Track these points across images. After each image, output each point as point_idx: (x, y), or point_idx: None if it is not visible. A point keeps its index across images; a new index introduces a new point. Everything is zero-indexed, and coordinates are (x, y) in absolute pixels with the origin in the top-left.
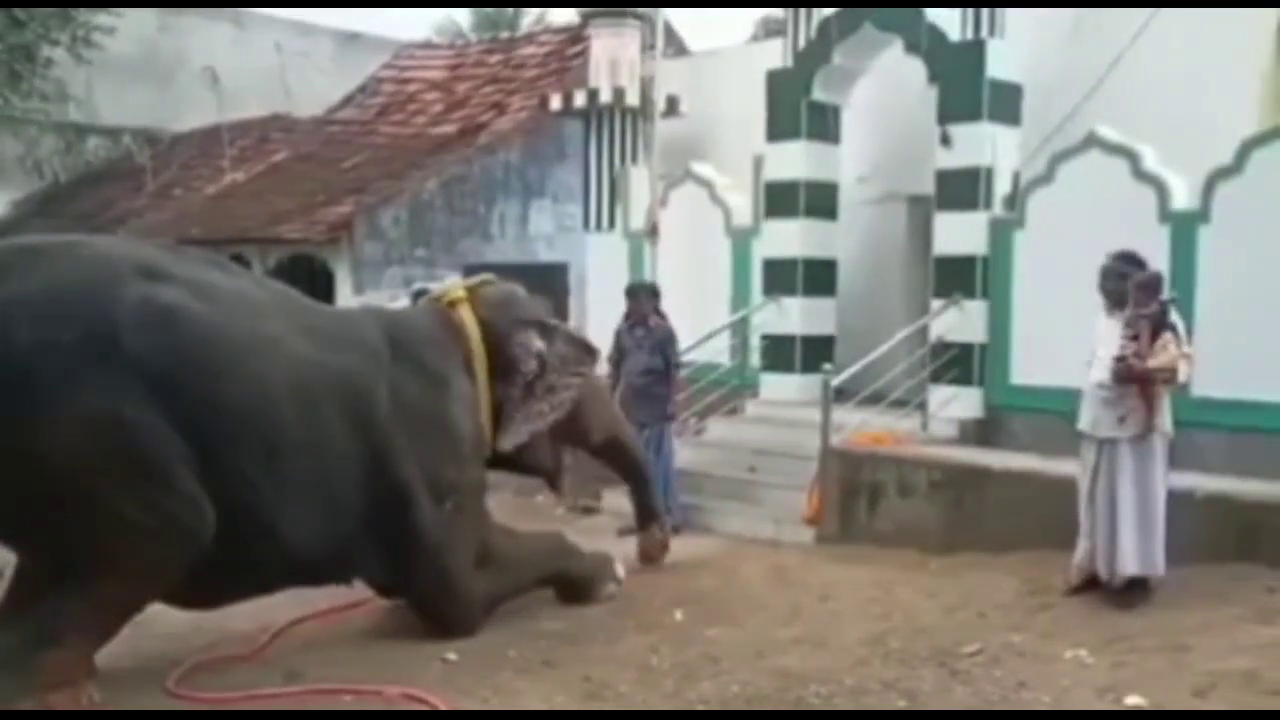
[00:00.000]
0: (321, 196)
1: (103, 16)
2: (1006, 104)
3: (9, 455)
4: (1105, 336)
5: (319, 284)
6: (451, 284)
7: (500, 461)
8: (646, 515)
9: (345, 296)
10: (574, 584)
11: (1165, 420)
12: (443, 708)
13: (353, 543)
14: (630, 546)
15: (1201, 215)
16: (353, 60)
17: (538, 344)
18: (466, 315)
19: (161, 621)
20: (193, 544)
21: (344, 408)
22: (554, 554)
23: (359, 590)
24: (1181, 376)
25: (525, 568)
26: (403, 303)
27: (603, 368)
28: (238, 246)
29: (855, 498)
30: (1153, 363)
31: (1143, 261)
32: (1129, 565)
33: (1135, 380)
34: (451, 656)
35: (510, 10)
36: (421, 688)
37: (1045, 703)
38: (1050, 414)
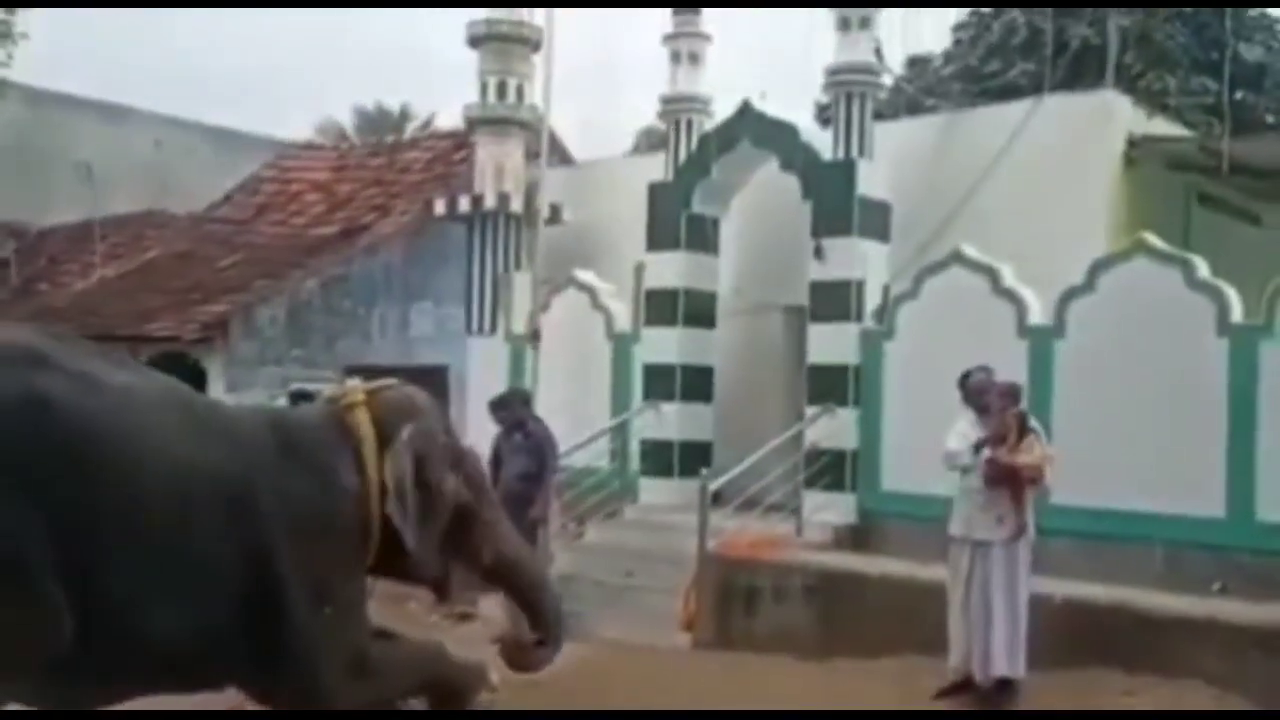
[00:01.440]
0: (196, 294)
1: None
2: (876, 221)
3: None
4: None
5: (191, 384)
6: (350, 386)
7: (387, 570)
8: (536, 625)
9: (218, 395)
10: (448, 692)
11: (1031, 524)
12: None
13: (224, 646)
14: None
15: (1056, 331)
16: (233, 158)
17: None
18: (362, 419)
19: None
20: (46, 645)
21: (223, 509)
22: (429, 662)
23: (230, 696)
24: (1048, 476)
25: (400, 675)
26: (280, 403)
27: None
28: (105, 344)
29: (731, 603)
30: (1022, 459)
31: (991, 371)
32: (1000, 667)
33: (1006, 478)
34: None
35: (395, 113)
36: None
37: None
38: (921, 520)
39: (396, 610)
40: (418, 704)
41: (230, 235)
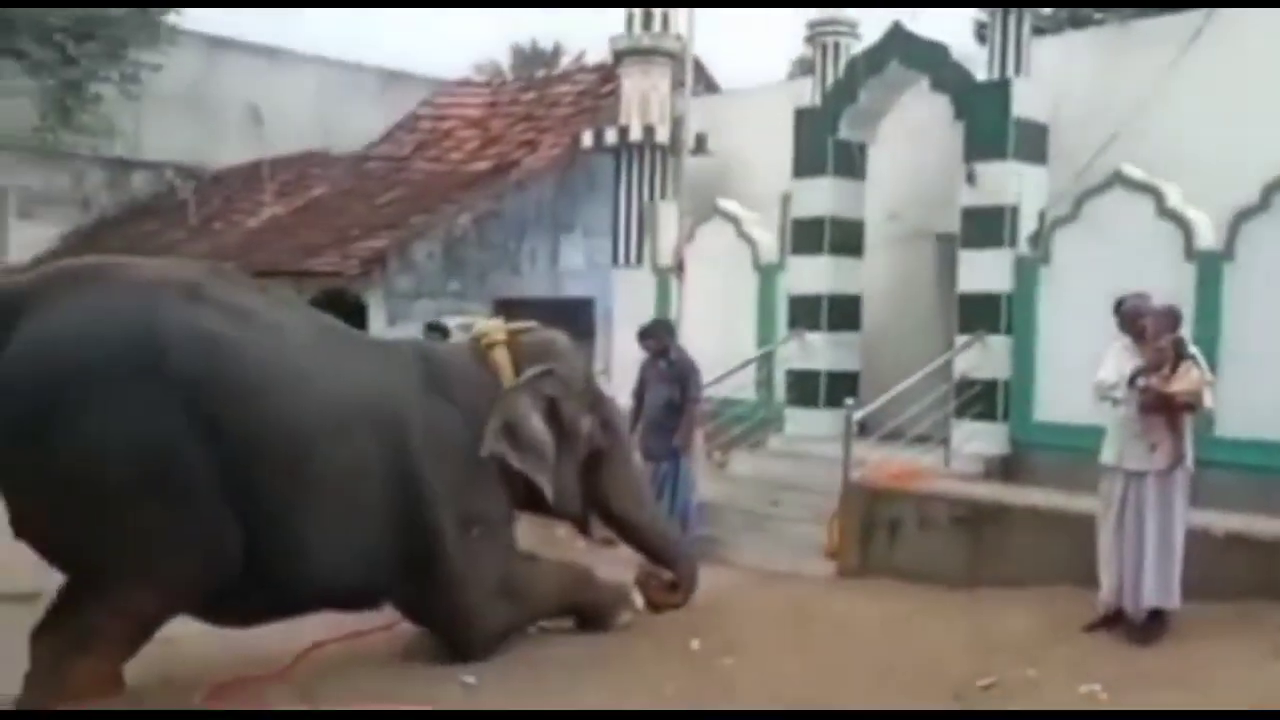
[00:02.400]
0: (356, 231)
1: (150, 54)
2: (1032, 142)
3: (49, 470)
4: (1128, 372)
5: (353, 317)
6: (493, 325)
7: (529, 504)
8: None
9: (378, 328)
10: (592, 613)
11: (1189, 454)
12: None
13: (379, 567)
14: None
15: (1226, 254)
16: (394, 98)
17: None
18: (502, 358)
19: (191, 643)
20: (216, 561)
21: (376, 436)
22: (573, 584)
23: (388, 614)
24: (1207, 401)
25: (545, 596)
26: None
27: (625, 402)
28: (271, 280)
29: (875, 532)
30: (1177, 386)
31: (1147, 296)
32: (1149, 598)
33: (1161, 406)
34: (470, 680)
35: (549, 50)
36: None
37: None
38: (1075, 451)
39: (545, 534)
40: (557, 623)
41: (389, 173)
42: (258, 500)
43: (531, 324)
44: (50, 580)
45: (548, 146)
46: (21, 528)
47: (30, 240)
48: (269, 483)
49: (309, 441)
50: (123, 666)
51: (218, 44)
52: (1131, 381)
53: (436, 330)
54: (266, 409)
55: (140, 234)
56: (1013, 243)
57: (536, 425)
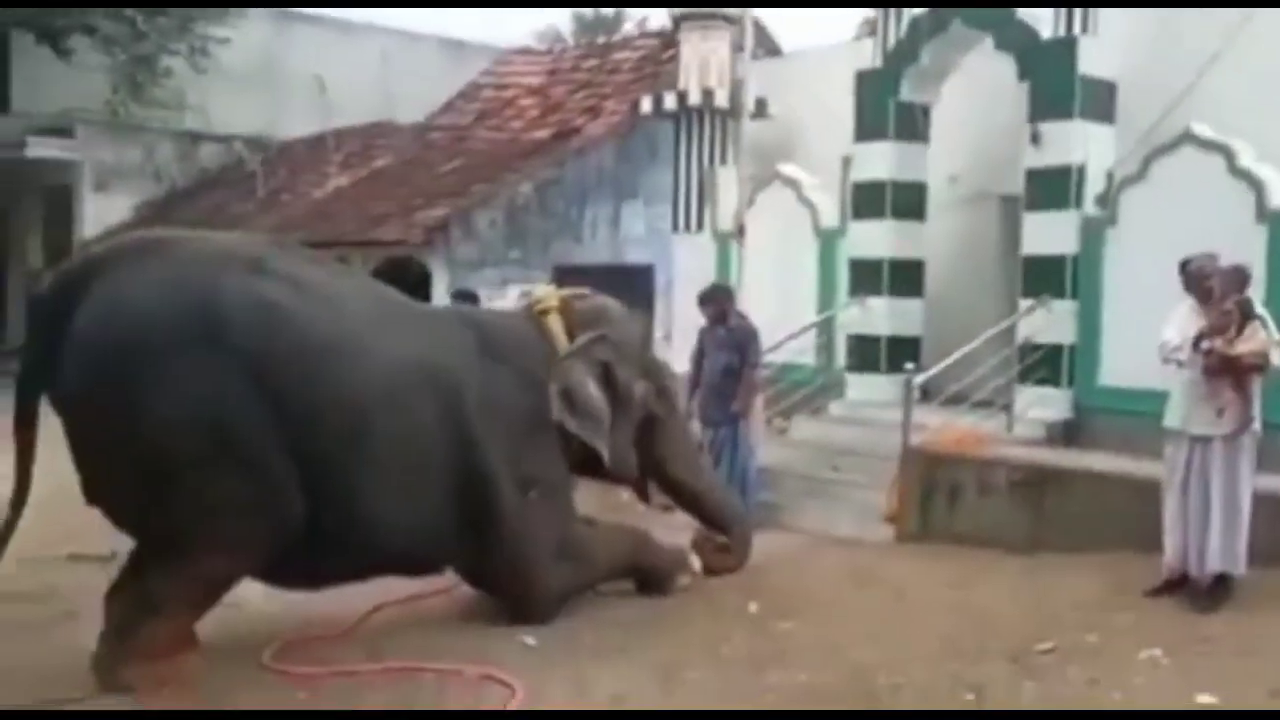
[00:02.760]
0: (419, 200)
1: (218, 28)
2: (1099, 101)
3: (116, 438)
4: (1192, 334)
5: (420, 285)
6: (546, 291)
7: (587, 468)
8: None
9: (441, 296)
10: (650, 575)
11: (1256, 417)
12: (519, 690)
13: (439, 531)
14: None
15: None
16: (456, 67)
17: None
18: (556, 325)
19: (258, 605)
20: (280, 525)
21: (433, 401)
22: (632, 547)
23: (447, 578)
24: (1275, 361)
25: (604, 559)
26: (502, 303)
27: (683, 366)
28: (338, 250)
29: (935, 497)
30: (1242, 347)
31: (1215, 257)
32: (1214, 563)
33: (1226, 368)
34: (530, 641)
35: (611, 15)
36: (500, 669)
37: (1115, 700)
38: (1140, 415)
39: (607, 498)
40: (616, 586)
41: (451, 142)
42: (319, 466)
43: (584, 290)
44: (123, 543)
45: (608, 113)
46: (92, 494)
47: (104, 212)
48: (330, 449)
49: (368, 409)
50: (194, 626)
51: (283, 16)
52: (1196, 344)
53: (465, 297)
54: (326, 377)
55: (210, 206)
56: (1078, 204)
57: (592, 391)
